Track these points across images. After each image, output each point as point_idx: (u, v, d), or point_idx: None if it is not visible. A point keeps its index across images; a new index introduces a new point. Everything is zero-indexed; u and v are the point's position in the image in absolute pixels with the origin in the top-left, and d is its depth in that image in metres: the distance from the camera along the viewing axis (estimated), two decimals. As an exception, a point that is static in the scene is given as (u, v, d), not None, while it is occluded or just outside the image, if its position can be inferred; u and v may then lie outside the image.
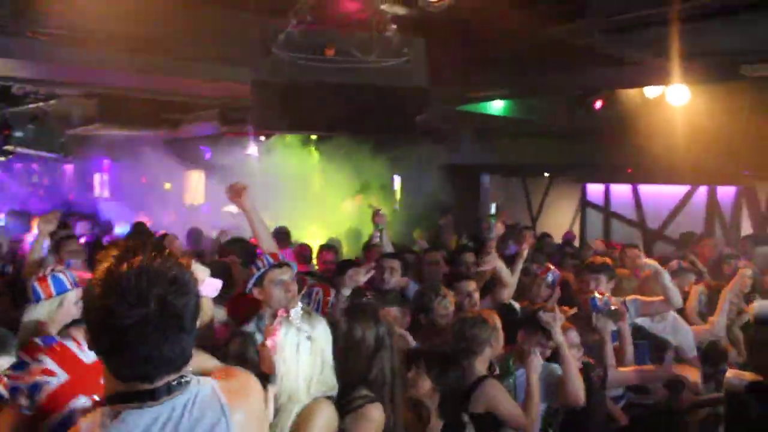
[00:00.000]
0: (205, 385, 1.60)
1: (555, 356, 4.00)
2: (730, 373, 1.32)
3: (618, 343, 4.41)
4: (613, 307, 4.36)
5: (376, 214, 5.46)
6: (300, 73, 4.02)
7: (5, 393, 2.49)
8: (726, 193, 10.69)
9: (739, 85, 7.47)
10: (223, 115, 8.67)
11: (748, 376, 1.33)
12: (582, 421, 3.95)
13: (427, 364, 3.47)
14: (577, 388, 3.74)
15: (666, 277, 4.66)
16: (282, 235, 6.82)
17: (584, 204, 12.35)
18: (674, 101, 8.07)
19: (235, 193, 3.68)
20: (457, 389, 3.59)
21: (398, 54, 3.97)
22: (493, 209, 4.65)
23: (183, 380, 1.56)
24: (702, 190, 10.79)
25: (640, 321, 4.85)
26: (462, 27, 4.91)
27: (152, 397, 1.52)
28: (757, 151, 8.72)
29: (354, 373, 2.79)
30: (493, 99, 8.07)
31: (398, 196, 14.39)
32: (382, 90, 4.00)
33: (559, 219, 12.62)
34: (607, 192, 12.04)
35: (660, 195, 11.13)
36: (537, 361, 3.78)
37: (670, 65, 6.14)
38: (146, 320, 1.43)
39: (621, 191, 11.83)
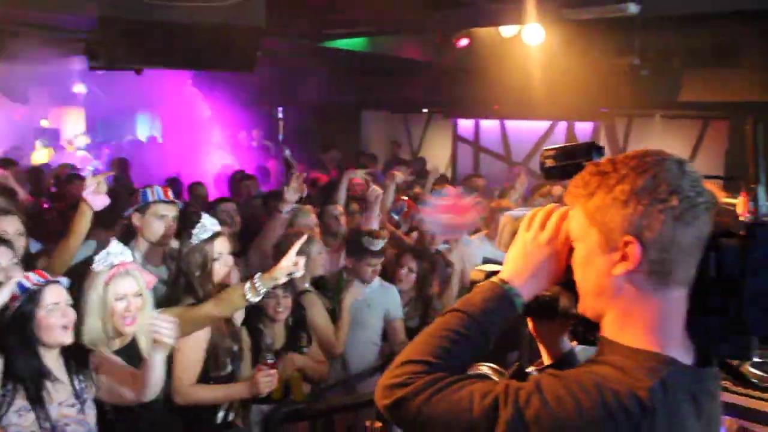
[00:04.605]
0: None
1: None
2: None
3: None
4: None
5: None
6: (144, 11, 4.19)
7: None
8: (585, 128, 11.42)
9: (589, 26, 7.99)
10: (91, 49, 8.58)
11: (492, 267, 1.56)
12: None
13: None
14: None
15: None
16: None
17: (456, 139, 12.95)
18: (529, 40, 8.57)
19: None
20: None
21: (235, -7, 4.19)
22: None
23: None
24: (563, 125, 11.51)
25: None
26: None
27: None
28: (612, 90, 9.34)
29: None
30: (352, 37, 8.34)
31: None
32: (220, 28, 4.23)
33: (436, 154, 13.19)
34: (477, 127, 12.66)
35: (524, 130, 11.81)
36: (357, 288, 4.26)
37: (520, 5, 6.59)
38: None
39: (489, 126, 12.47)
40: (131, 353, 3.10)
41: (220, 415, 3.55)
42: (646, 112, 10.22)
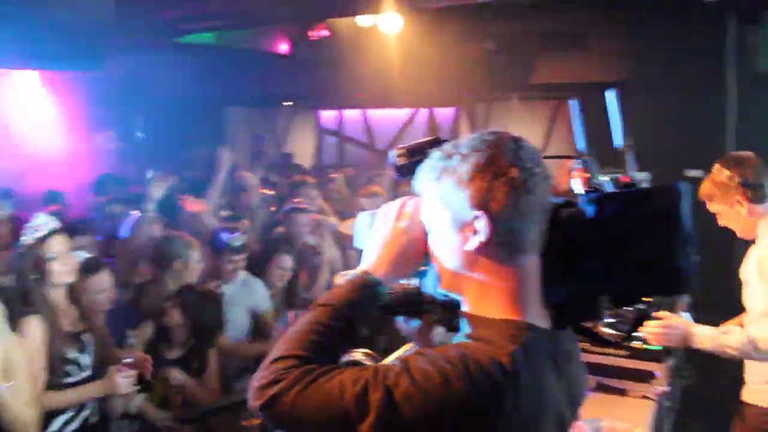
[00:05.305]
0: None
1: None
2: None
3: None
4: None
5: None
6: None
7: None
8: (446, 113, 11.70)
9: (445, 13, 8.17)
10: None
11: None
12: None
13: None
14: None
15: None
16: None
17: (320, 130, 13.00)
18: (387, 29, 8.68)
19: None
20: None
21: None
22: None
23: None
24: (424, 112, 11.76)
25: None
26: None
27: None
28: (469, 75, 9.61)
29: None
30: (207, 31, 8.15)
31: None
32: (66, 23, 3.97)
33: (301, 146, 13.14)
34: (340, 118, 12.73)
35: (387, 118, 11.97)
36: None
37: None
38: None
39: (352, 116, 12.56)
40: None
41: (59, 421, 3.27)
42: (504, 95, 10.57)
